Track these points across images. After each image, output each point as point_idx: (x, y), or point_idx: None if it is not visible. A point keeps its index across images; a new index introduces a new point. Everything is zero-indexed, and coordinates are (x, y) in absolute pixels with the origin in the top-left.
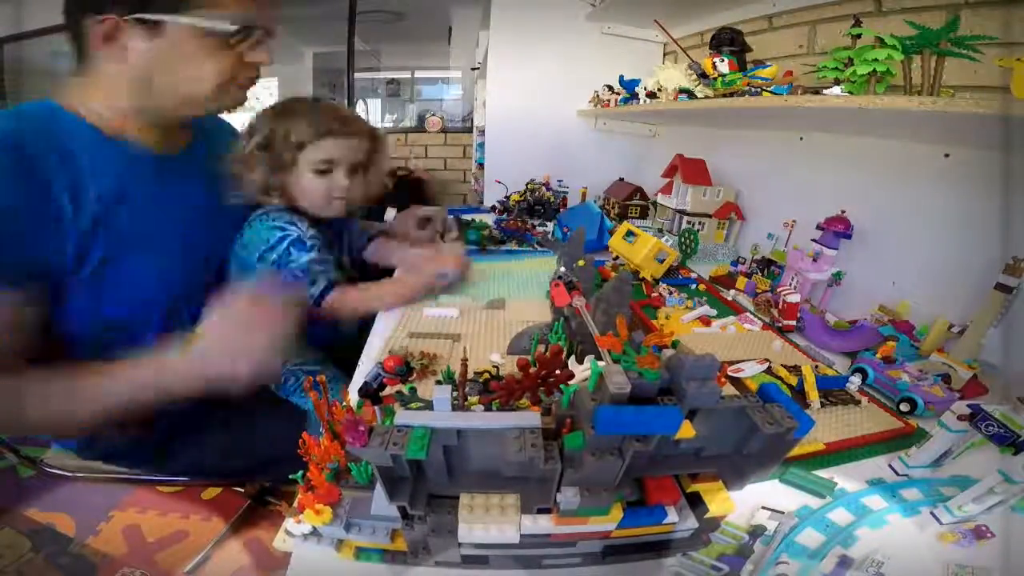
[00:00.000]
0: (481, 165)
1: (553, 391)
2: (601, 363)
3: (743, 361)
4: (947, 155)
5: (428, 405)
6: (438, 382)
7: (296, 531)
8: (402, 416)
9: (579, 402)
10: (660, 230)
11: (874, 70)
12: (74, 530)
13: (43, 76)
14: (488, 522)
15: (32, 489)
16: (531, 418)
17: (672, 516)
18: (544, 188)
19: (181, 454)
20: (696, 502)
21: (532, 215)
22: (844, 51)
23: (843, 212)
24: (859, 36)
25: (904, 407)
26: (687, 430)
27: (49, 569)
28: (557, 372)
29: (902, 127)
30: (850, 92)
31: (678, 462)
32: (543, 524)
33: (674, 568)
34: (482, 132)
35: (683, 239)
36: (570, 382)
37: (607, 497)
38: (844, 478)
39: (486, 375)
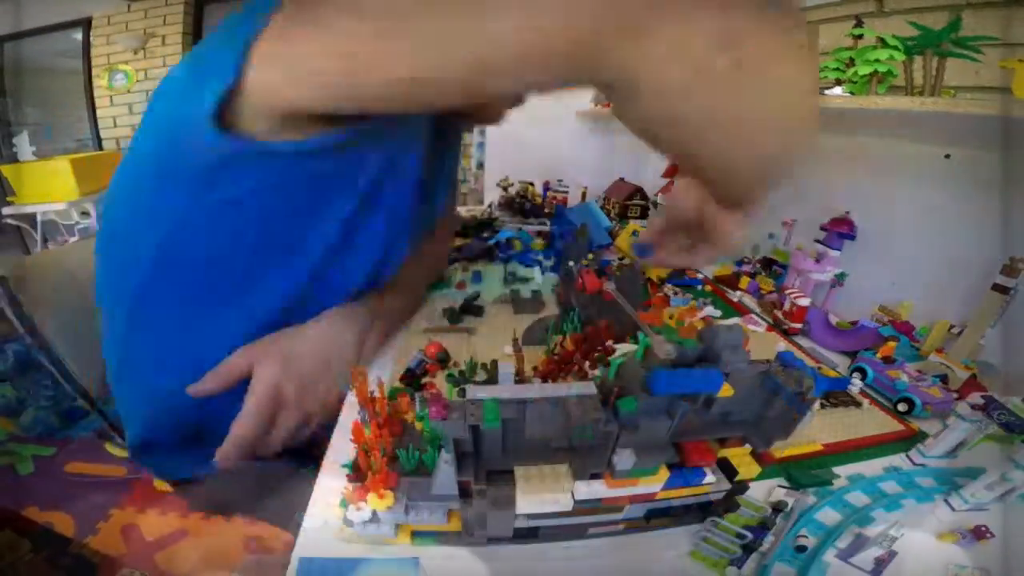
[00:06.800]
0: (481, 165)
1: (598, 365)
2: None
3: None
4: (947, 156)
5: (488, 381)
6: (449, 375)
7: (357, 518)
8: (474, 391)
9: (628, 371)
10: None
11: (875, 70)
12: (73, 529)
13: (42, 74)
14: (544, 492)
15: (31, 488)
16: (588, 387)
17: (710, 476)
18: (533, 187)
19: None
20: (726, 467)
21: (524, 215)
22: (846, 51)
23: (847, 213)
24: (861, 36)
25: (902, 407)
26: (727, 389)
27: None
28: (601, 347)
29: (903, 127)
30: (851, 92)
31: (709, 427)
32: (597, 488)
33: (702, 534)
34: (482, 132)
35: None
36: (609, 357)
37: (657, 456)
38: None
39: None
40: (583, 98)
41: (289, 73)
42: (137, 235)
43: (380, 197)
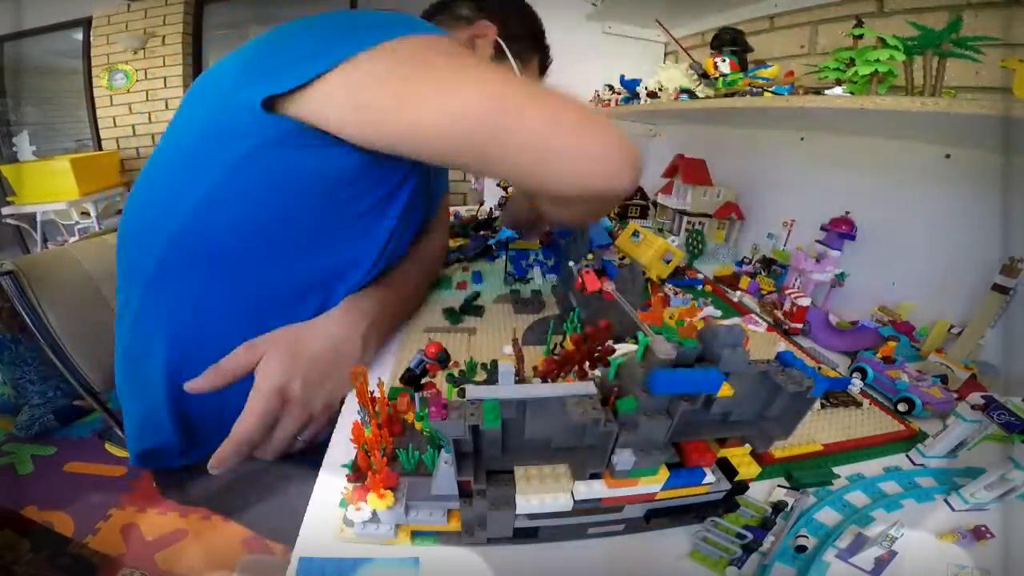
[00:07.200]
0: None
1: (598, 364)
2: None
3: None
4: (948, 156)
5: (488, 381)
6: (449, 375)
7: (357, 518)
8: (474, 391)
9: (628, 371)
10: (660, 230)
11: (876, 71)
12: (73, 529)
13: (42, 74)
14: (543, 492)
15: (31, 488)
16: (588, 387)
17: (709, 476)
18: None
19: None
20: (726, 467)
21: None
22: (846, 51)
23: (848, 213)
24: (861, 36)
25: (902, 407)
26: (727, 389)
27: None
28: (601, 347)
29: (903, 128)
30: (851, 92)
31: (709, 427)
32: (597, 488)
33: (702, 534)
34: None
35: (690, 240)
36: (609, 357)
37: (657, 456)
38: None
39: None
40: (584, 97)
41: (339, 112)
42: (172, 198)
43: (404, 190)
